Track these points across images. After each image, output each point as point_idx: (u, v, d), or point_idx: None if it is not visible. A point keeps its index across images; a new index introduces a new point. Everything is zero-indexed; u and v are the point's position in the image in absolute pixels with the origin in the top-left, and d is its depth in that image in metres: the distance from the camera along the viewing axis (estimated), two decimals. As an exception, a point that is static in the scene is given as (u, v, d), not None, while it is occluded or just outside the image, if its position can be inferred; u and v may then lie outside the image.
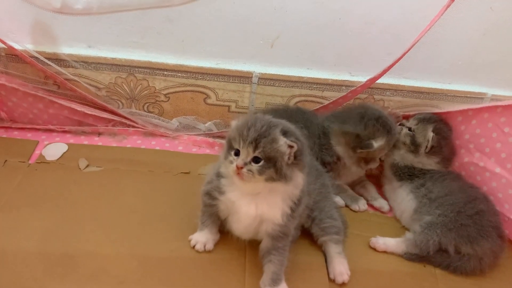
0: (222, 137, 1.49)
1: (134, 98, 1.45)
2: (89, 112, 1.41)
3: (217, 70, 1.40)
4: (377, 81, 1.37)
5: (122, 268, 1.01)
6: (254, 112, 1.44)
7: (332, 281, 1.07)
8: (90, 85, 1.40)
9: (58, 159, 1.31)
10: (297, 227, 1.11)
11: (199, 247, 1.07)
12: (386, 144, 1.26)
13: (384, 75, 1.33)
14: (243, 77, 1.41)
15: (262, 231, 1.01)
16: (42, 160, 1.29)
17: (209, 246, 1.08)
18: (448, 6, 1.25)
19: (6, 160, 1.27)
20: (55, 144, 1.36)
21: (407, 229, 1.24)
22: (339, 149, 1.28)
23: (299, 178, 0.94)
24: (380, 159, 1.31)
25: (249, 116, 0.92)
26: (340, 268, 1.08)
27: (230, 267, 1.06)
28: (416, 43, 1.28)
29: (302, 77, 1.41)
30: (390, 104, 1.49)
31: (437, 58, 1.42)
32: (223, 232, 1.10)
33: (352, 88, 1.40)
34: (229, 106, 1.48)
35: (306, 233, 1.16)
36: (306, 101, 1.46)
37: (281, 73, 1.41)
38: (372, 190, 1.39)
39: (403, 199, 1.29)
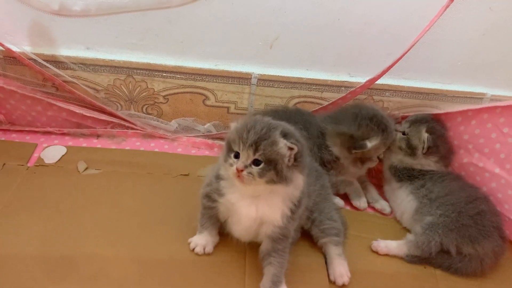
0: (221, 139, 1.48)
1: (132, 100, 1.45)
2: (88, 114, 1.40)
3: (216, 71, 1.39)
4: (377, 82, 1.36)
5: (122, 270, 1.01)
6: (253, 113, 1.44)
7: (332, 283, 1.07)
8: (89, 87, 1.39)
9: (57, 162, 1.31)
10: (297, 229, 1.11)
11: (198, 249, 1.07)
12: (381, 143, 1.25)
13: (384, 75, 1.33)
14: (242, 78, 1.41)
15: (262, 233, 1.00)
16: (40, 163, 1.29)
17: (209, 248, 1.07)
18: (448, 6, 1.24)
19: (4, 163, 1.26)
20: (54, 147, 1.36)
21: (408, 230, 1.24)
22: (335, 149, 1.27)
23: (299, 180, 0.94)
24: (378, 157, 1.30)
25: (248, 118, 0.92)
26: (340, 270, 1.08)
27: (230, 270, 1.05)
28: (415, 43, 1.28)
29: (301, 78, 1.41)
30: (390, 105, 1.49)
31: (437, 59, 1.41)
32: (223, 234, 1.09)
33: (352, 89, 1.39)
34: (228, 108, 1.48)
35: (306, 234, 1.16)
36: (306, 102, 1.46)
37: (280, 74, 1.40)
38: (373, 191, 1.38)
39: (403, 200, 1.29)
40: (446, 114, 1.35)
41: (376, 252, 1.18)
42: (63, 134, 1.42)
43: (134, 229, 1.12)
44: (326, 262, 1.11)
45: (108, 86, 1.40)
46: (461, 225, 1.14)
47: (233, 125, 0.92)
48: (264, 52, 1.38)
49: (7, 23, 1.29)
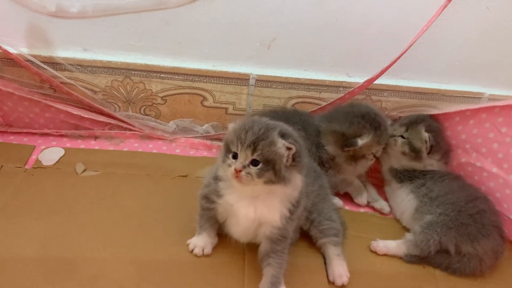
0: (219, 140, 1.48)
1: (130, 101, 1.44)
2: (86, 116, 1.40)
3: (214, 72, 1.39)
4: (375, 82, 1.36)
5: (121, 272, 1.01)
6: (251, 114, 1.44)
7: (331, 283, 1.07)
8: (86, 88, 1.39)
9: (55, 163, 1.30)
10: (296, 229, 1.11)
11: (197, 251, 1.06)
12: (373, 141, 1.24)
13: (382, 75, 1.33)
14: (240, 79, 1.41)
15: (260, 234, 1.00)
16: (38, 165, 1.29)
17: (208, 250, 1.07)
18: (445, 6, 1.25)
19: (2, 166, 1.26)
20: (52, 149, 1.36)
21: (408, 230, 1.24)
22: (329, 148, 1.27)
23: (297, 180, 0.94)
24: (374, 156, 1.29)
25: (246, 119, 0.92)
26: (339, 270, 1.08)
27: (229, 271, 1.05)
28: (413, 43, 1.28)
29: (299, 79, 1.41)
30: (388, 105, 1.49)
31: (435, 59, 1.41)
32: (222, 235, 1.09)
33: (350, 89, 1.39)
34: (226, 108, 1.48)
35: (305, 235, 1.16)
36: (304, 102, 1.46)
37: (278, 75, 1.40)
38: (372, 191, 1.38)
39: (403, 199, 1.29)
40: (444, 114, 1.35)
41: (375, 252, 1.18)
42: (61, 135, 1.42)
43: (133, 231, 1.12)
44: (325, 263, 1.11)
45: (106, 88, 1.40)
46: (460, 224, 1.14)
47: (231, 126, 0.92)
48: (262, 53, 1.38)
49: (4, 25, 1.28)
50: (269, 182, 0.89)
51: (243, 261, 1.08)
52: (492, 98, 1.47)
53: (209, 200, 1.01)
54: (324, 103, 1.45)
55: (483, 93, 1.48)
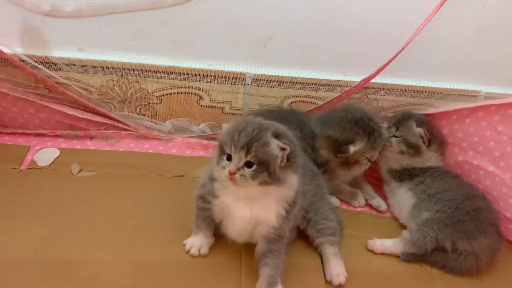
0: (216, 139, 1.47)
1: (126, 101, 1.44)
2: (81, 116, 1.39)
3: (210, 72, 1.39)
4: (371, 81, 1.36)
5: (117, 273, 1.00)
6: (248, 114, 1.44)
7: (328, 283, 1.07)
8: (82, 88, 1.38)
9: (50, 164, 1.29)
10: (293, 229, 1.11)
11: (194, 251, 1.06)
12: (366, 147, 1.23)
13: (378, 74, 1.33)
14: (237, 78, 1.40)
15: (257, 234, 1.00)
16: (34, 166, 1.28)
17: (204, 250, 1.07)
18: (441, 5, 1.25)
19: (-3, 166, 1.25)
20: (47, 149, 1.35)
21: (405, 228, 1.24)
22: (323, 152, 1.26)
23: (293, 180, 0.94)
24: (370, 160, 1.29)
25: (240, 119, 0.91)
26: (337, 270, 1.07)
27: (225, 271, 1.05)
28: (409, 42, 1.28)
29: (296, 78, 1.41)
30: (384, 104, 1.49)
31: (431, 57, 1.41)
32: (218, 235, 1.09)
33: (346, 88, 1.39)
34: (222, 108, 1.47)
35: (302, 234, 1.16)
36: (300, 101, 1.46)
37: (274, 74, 1.40)
38: (368, 189, 1.38)
39: (402, 196, 1.29)
40: (441, 112, 1.35)
41: (372, 251, 1.18)
42: (56, 136, 1.41)
43: (129, 232, 1.11)
44: (322, 262, 1.11)
45: (101, 87, 1.39)
46: (457, 221, 1.14)
47: (224, 127, 0.92)
48: (259, 52, 1.38)
49: (-2, 25, 1.28)
50: (263, 183, 0.88)
51: (240, 261, 1.07)
52: (488, 96, 1.47)
53: (205, 200, 1.01)
54: (320, 102, 1.45)
55: (479, 91, 1.48)
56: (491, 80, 1.48)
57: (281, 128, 0.93)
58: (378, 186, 1.40)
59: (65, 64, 1.33)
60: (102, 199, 1.20)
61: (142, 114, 1.47)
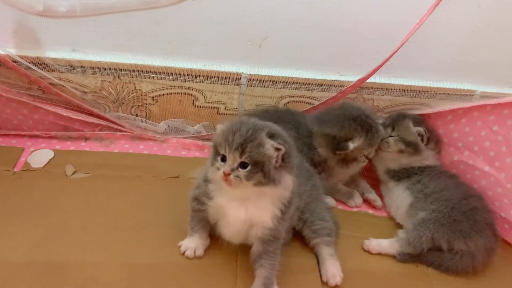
0: (211, 140, 1.47)
1: (120, 102, 1.43)
2: (75, 117, 1.38)
3: (205, 72, 1.38)
4: (367, 80, 1.36)
5: (112, 276, 1.00)
6: (243, 114, 1.43)
7: (325, 283, 1.07)
8: (76, 89, 1.37)
9: (44, 166, 1.28)
10: (289, 229, 1.10)
11: (189, 253, 1.05)
12: (364, 144, 1.23)
13: (374, 74, 1.33)
14: (232, 79, 1.40)
15: (252, 235, 1.00)
16: (27, 168, 1.27)
17: (199, 252, 1.06)
18: (437, 4, 1.25)
19: (-10, 168, 1.24)
20: (41, 151, 1.34)
21: (401, 228, 1.24)
22: (321, 150, 1.26)
23: (288, 180, 0.93)
24: (367, 157, 1.29)
25: (234, 120, 0.91)
26: (333, 270, 1.07)
27: (221, 273, 1.04)
28: (405, 42, 1.28)
29: (291, 78, 1.40)
30: (380, 103, 1.49)
31: (427, 57, 1.42)
32: (214, 237, 1.08)
33: (342, 89, 1.39)
34: (218, 108, 1.47)
35: (298, 235, 1.15)
36: (296, 101, 1.45)
37: (270, 74, 1.40)
38: (364, 184, 1.39)
39: (399, 195, 1.29)
40: (436, 112, 1.35)
41: (368, 251, 1.17)
42: (50, 137, 1.40)
43: (124, 233, 1.10)
44: (318, 263, 1.11)
45: (96, 88, 1.38)
46: (453, 221, 1.15)
47: (219, 128, 0.91)
48: (254, 52, 1.37)
49: (-9, 25, 1.27)
50: (258, 184, 0.88)
51: (235, 263, 1.07)
52: (484, 95, 1.48)
53: (200, 202, 1.00)
54: (316, 102, 1.44)
55: (475, 90, 1.48)
56: (487, 80, 1.48)
57: (276, 128, 0.92)
58: (375, 186, 1.40)
59: (59, 65, 1.32)
60: (97, 200, 1.19)
61: (136, 115, 1.46)
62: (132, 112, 1.46)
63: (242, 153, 0.86)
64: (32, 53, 1.30)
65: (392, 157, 1.31)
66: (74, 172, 1.27)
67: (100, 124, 1.43)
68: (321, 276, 1.08)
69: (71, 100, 1.37)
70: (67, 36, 1.31)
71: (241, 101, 1.45)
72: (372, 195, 1.35)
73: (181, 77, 1.38)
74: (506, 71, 1.48)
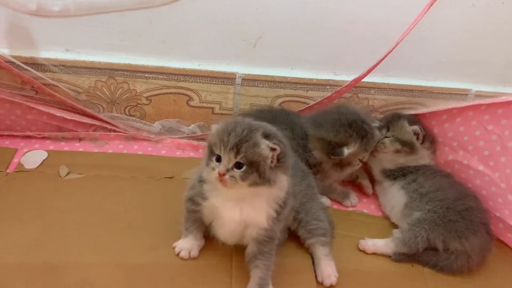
0: (206, 140, 1.46)
1: (115, 102, 1.42)
2: (69, 117, 1.37)
3: (200, 72, 1.37)
4: (362, 80, 1.36)
5: (107, 277, 0.99)
6: (238, 114, 1.43)
7: (320, 283, 1.06)
8: (70, 89, 1.36)
9: (37, 167, 1.27)
10: (284, 230, 1.10)
11: (183, 254, 1.05)
12: (359, 149, 1.23)
13: (369, 73, 1.33)
14: (227, 78, 1.39)
15: (247, 235, 0.99)
16: (21, 169, 1.26)
17: (194, 252, 1.06)
18: (432, 4, 1.25)
19: (-17, 170, 1.23)
20: (34, 152, 1.33)
21: (396, 228, 1.24)
22: (316, 153, 1.26)
23: (283, 181, 0.93)
24: (361, 160, 1.28)
25: (229, 120, 0.91)
26: (328, 270, 1.07)
27: (216, 274, 1.04)
28: (400, 41, 1.28)
29: (286, 77, 1.40)
30: (375, 103, 1.49)
31: (422, 56, 1.42)
32: (208, 237, 1.08)
33: (337, 89, 1.39)
34: (213, 108, 1.46)
35: (293, 235, 1.15)
36: (291, 101, 1.45)
37: (264, 74, 1.39)
38: (360, 170, 1.40)
39: (394, 194, 1.29)
40: (431, 112, 1.35)
41: (364, 251, 1.17)
42: (44, 138, 1.39)
43: (118, 234, 1.10)
44: (313, 263, 1.11)
45: (89, 88, 1.37)
46: (448, 221, 1.15)
47: (213, 128, 0.91)
48: (248, 52, 1.37)
49: (-17, 25, 1.26)
50: (254, 184, 0.88)
51: (230, 264, 1.06)
52: (478, 94, 1.48)
53: (194, 202, 1.00)
54: (311, 102, 1.44)
55: (469, 89, 1.49)
56: (481, 79, 1.48)
57: (271, 128, 0.92)
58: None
59: (52, 65, 1.31)
60: (91, 201, 1.18)
61: (131, 115, 1.46)
62: (126, 112, 1.45)
63: (237, 153, 0.86)
64: (25, 53, 1.29)
65: (388, 158, 1.31)
66: (68, 173, 1.27)
67: (94, 125, 1.42)
68: (316, 276, 1.08)
69: (65, 100, 1.36)
70: (61, 36, 1.30)
71: (236, 101, 1.44)
72: (366, 182, 1.37)
73: (176, 77, 1.38)
74: (500, 70, 1.48)
